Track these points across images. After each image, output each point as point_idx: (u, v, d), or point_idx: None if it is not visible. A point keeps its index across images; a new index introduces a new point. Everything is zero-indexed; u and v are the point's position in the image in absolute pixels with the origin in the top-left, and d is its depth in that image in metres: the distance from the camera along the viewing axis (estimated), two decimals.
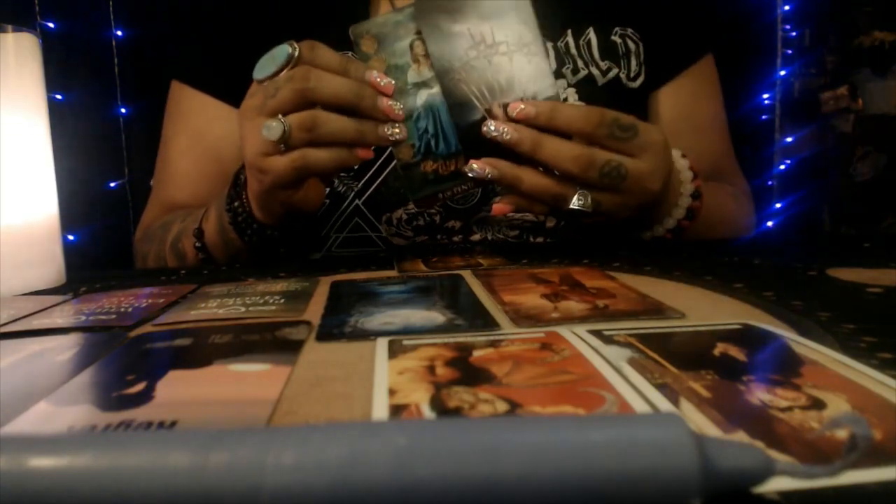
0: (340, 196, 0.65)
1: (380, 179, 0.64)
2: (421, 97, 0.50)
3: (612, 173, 0.48)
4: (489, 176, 0.49)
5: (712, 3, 0.81)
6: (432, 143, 0.50)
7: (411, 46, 0.49)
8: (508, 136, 0.48)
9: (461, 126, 0.50)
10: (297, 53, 0.46)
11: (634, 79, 0.69)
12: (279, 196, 0.50)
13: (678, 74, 0.70)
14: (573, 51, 0.67)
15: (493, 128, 0.48)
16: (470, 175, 0.49)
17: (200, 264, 0.60)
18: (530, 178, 0.49)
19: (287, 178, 0.47)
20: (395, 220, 0.65)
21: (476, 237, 0.66)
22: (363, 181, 0.64)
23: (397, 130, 0.47)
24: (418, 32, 0.50)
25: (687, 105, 0.70)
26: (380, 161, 0.64)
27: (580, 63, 0.67)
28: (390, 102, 0.47)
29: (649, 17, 0.69)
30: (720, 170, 0.73)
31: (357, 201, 0.65)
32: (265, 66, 0.47)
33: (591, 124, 0.48)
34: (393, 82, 0.47)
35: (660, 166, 0.50)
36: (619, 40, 0.68)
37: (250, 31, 0.67)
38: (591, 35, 0.67)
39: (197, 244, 0.59)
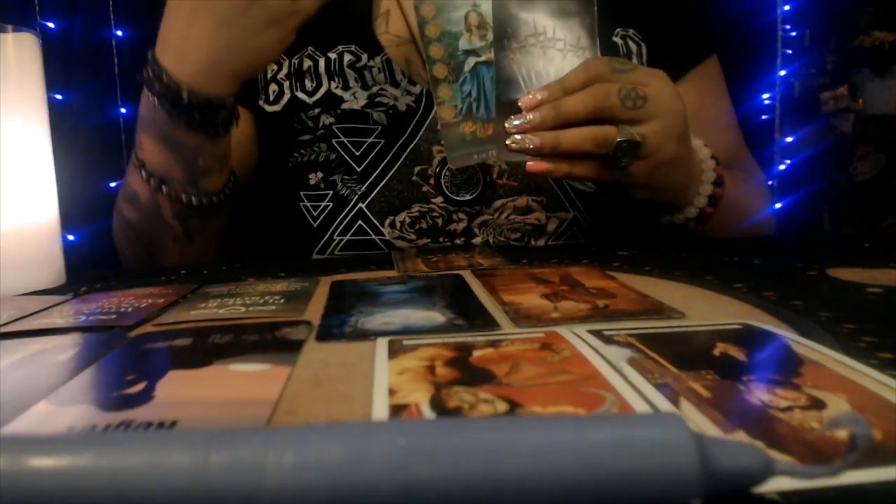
0: (343, 199, 0.65)
1: (383, 182, 0.64)
2: (469, 63, 0.54)
3: (631, 95, 0.50)
4: (531, 146, 0.50)
5: (714, 4, 0.81)
6: (473, 106, 0.54)
7: (466, 17, 0.54)
8: (531, 145, 0.50)
9: (501, 100, 0.53)
10: None
11: None
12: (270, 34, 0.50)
13: (683, 76, 0.70)
14: None
15: (518, 138, 0.51)
16: (514, 148, 0.51)
17: (161, 200, 0.56)
18: (567, 134, 0.51)
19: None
20: (397, 223, 0.65)
21: (478, 240, 0.66)
22: (367, 184, 0.64)
23: None
24: (474, 5, 0.54)
25: (693, 104, 0.70)
26: (383, 164, 0.64)
27: None
28: None
29: (652, 18, 0.69)
30: (734, 162, 0.73)
31: (360, 204, 0.65)
32: None
33: (590, 72, 0.51)
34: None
35: (672, 88, 0.52)
36: (619, 41, 0.68)
37: None
38: None
39: (144, 174, 0.55)
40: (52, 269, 0.49)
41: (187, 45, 0.51)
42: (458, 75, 0.53)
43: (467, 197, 0.64)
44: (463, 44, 0.54)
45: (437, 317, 0.34)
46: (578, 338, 0.29)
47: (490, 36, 0.53)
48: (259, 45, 0.51)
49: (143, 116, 0.54)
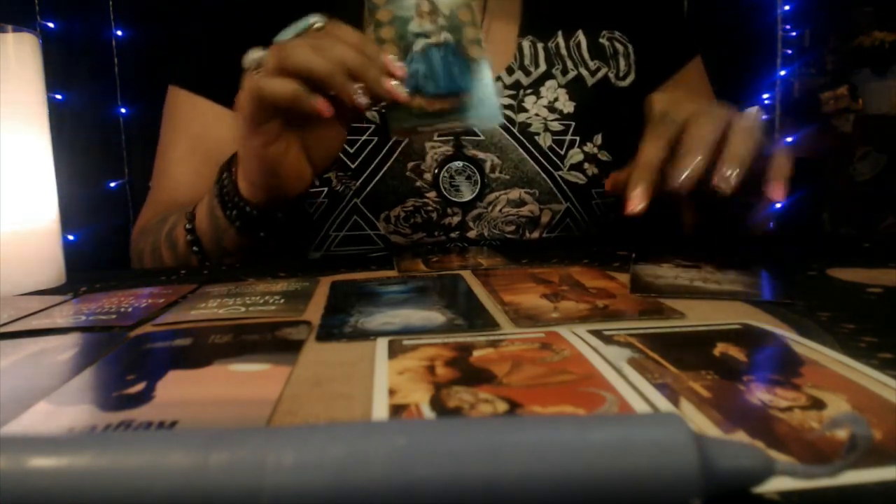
0: (339, 195, 0.65)
1: (378, 178, 0.65)
2: (418, 44, 0.55)
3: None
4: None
5: (699, 7, 0.82)
6: (423, 83, 0.54)
7: (417, 5, 0.55)
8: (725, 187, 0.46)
9: (457, 80, 0.54)
10: (318, 25, 0.49)
11: (623, 77, 0.70)
12: (254, 143, 0.50)
13: (670, 77, 0.71)
14: (563, 52, 0.70)
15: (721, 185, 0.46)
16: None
17: (191, 256, 0.59)
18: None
19: (248, 109, 0.48)
20: (392, 218, 0.65)
21: (472, 234, 0.66)
22: (361, 179, 0.65)
23: (366, 100, 0.48)
24: None
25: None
26: (377, 159, 0.64)
27: (570, 64, 0.69)
28: (394, 83, 0.49)
29: (636, 21, 0.71)
30: None
31: (355, 200, 0.65)
32: (287, 32, 0.50)
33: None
34: (405, 67, 0.51)
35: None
36: (606, 42, 0.70)
37: (247, 33, 0.67)
38: (581, 37, 0.69)
39: (187, 226, 0.59)
40: (52, 269, 0.49)
41: None
42: (405, 55, 0.54)
43: (463, 200, 0.65)
44: (413, 27, 0.55)
45: (437, 317, 0.34)
46: (578, 338, 0.29)
47: (441, 21, 0.55)
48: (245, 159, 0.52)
49: (212, 207, 0.57)
